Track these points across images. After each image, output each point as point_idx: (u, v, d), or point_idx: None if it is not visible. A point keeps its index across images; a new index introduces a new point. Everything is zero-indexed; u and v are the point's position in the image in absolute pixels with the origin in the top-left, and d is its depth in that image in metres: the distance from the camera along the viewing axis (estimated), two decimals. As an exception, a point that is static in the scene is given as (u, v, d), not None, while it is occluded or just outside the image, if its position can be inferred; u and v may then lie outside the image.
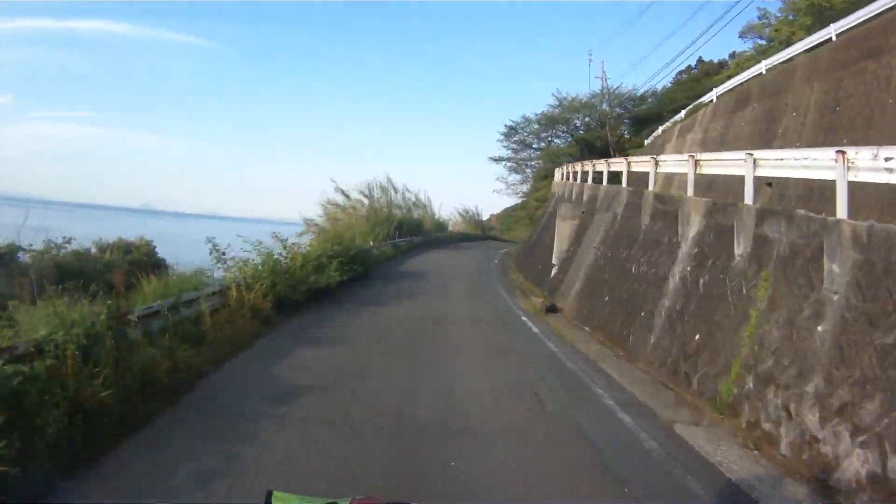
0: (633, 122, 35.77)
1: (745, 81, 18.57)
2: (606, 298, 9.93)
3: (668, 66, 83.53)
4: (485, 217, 48.53)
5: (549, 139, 37.76)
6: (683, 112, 23.48)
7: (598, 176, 14.49)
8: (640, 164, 12.25)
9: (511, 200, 50.15)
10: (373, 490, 3.59)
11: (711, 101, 20.68)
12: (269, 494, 1.16)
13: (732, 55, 33.43)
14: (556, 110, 35.15)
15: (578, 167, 16.67)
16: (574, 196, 15.72)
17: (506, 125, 39.14)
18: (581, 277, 11.41)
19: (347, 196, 25.14)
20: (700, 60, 36.35)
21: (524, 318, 10.64)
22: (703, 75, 33.44)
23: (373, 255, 17.03)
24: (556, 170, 26.43)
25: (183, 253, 11.15)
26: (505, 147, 40.23)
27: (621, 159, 13.94)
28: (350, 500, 1.18)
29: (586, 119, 36.13)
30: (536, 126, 37.23)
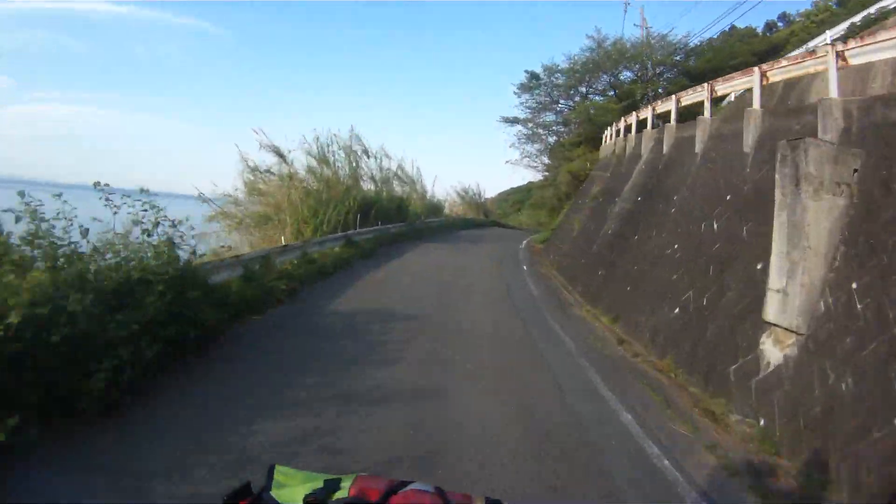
0: (688, 77, 26.76)
1: None
2: None
3: (719, 19, 78.11)
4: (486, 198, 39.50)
5: (584, 94, 27.95)
6: (831, 33, 14.38)
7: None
8: None
9: (527, 173, 40.98)
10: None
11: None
12: (272, 468, 1.03)
13: (781, 16, 31.80)
14: (595, 55, 25.53)
15: (756, 77, 7.47)
16: (751, 146, 6.68)
17: (526, 71, 29.42)
18: None
19: (283, 157, 15.43)
20: (733, 27, 30.07)
21: None
22: (738, 41, 27.51)
23: (271, 276, 7.72)
24: (608, 127, 17.85)
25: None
26: (522, 104, 30.62)
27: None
28: (354, 476, 1.03)
29: (621, 75, 26.83)
30: (563, 78, 27.55)
